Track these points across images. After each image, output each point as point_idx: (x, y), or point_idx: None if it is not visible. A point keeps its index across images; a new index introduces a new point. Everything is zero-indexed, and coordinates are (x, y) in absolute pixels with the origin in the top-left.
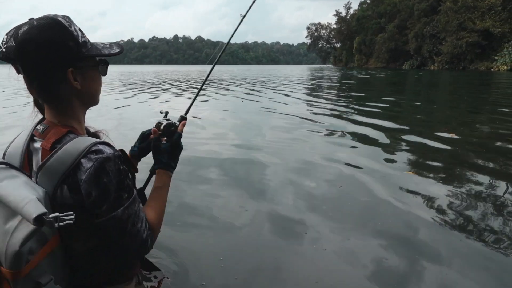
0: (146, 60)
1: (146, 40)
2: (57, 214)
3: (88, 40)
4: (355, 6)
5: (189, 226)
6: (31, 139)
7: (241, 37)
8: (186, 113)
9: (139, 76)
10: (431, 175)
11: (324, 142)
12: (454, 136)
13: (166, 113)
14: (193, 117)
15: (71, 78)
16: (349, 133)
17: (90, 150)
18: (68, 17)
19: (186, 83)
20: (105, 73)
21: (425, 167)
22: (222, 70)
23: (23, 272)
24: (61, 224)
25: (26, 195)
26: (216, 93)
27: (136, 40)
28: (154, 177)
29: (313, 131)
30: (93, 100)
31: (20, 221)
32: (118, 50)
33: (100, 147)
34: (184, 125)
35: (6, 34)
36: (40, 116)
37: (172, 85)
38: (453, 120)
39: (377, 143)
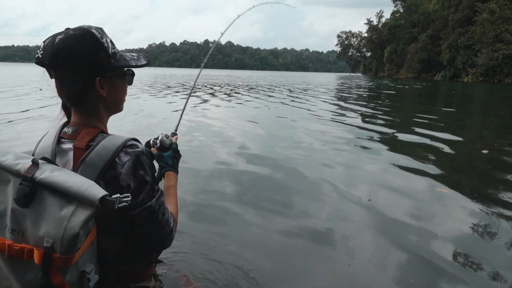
0: (176, 63)
1: (177, 44)
2: (118, 195)
3: (118, 51)
4: (387, 15)
5: (215, 235)
6: (58, 141)
7: (271, 44)
8: (176, 129)
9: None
10: (463, 193)
11: (357, 153)
12: (487, 152)
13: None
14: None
15: (98, 86)
16: (381, 145)
17: (126, 145)
18: (101, 28)
19: (227, 88)
20: (130, 83)
21: (457, 185)
22: (254, 76)
23: (75, 258)
24: (119, 205)
25: (84, 180)
26: (270, 96)
27: (167, 43)
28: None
29: (346, 140)
30: (117, 107)
31: (76, 206)
32: (145, 61)
33: (135, 142)
34: (176, 139)
35: (43, 42)
36: (64, 120)
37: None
38: (486, 136)
39: (409, 157)
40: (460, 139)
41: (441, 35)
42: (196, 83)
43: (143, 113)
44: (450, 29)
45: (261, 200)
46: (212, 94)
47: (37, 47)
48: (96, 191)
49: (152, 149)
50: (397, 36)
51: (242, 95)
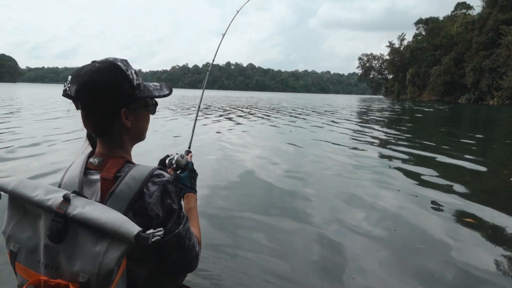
0: (198, 85)
1: (200, 66)
2: (152, 230)
3: (142, 82)
4: (409, 37)
5: (235, 253)
6: (84, 171)
7: (292, 66)
8: (189, 146)
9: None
10: (492, 222)
11: (383, 180)
12: None
13: (167, 156)
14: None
15: (123, 117)
16: (407, 170)
17: (153, 175)
18: (126, 60)
19: (258, 110)
20: (153, 113)
21: (486, 213)
22: (275, 97)
23: None
24: (152, 240)
25: (117, 216)
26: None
27: (190, 65)
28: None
29: (377, 163)
30: (140, 137)
31: (110, 242)
32: (168, 91)
33: (160, 171)
34: (191, 156)
35: (71, 75)
36: (89, 149)
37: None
38: None
39: (435, 183)
40: (488, 164)
41: (464, 58)
42: (219, 105)
43: (184, 134)
44: (474, 52)
45: (291, 224)
46: (244, 117)
47: (66, 69)
48: (131, 227)
49: (168, 169)
50: (419, 59)
51: (275, 118)
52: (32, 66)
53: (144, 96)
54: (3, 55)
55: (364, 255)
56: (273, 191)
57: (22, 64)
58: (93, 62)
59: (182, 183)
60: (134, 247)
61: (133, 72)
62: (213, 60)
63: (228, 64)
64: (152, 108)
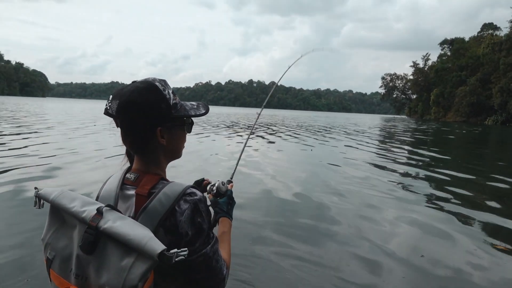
0: (221, 102)
1: (223, 83)
2: (175, 250)
3: (179, 101)
4: (433, 58)
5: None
6: (121, 186)
7: (314, 84)
8: (232, 177)
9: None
10: None
11: (410, 203)
12: None
13: (202, 179)
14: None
15: (159, 136)
16: (434, 195)
17: (186, 193)
18: (164, 81)
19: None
20: (189, 131)
21: None
22: (300, 116)
23: None
24: (176, 259)
25: (145, 233)
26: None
27: (213, 82)
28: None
29: (402, 189)
30: (176, 155)
31: (136, 258)
32: (204, 111)
33: (193, 190)
34: (232, 186)
35: (112, 94)
36: (127, 165)
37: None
38: None
39: (463, 210)
40: None
41: (491, 79)
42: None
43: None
44: (502, 73)
45: (313, 246)
46: (292, 135)
47: (93, 84)
48: (156, 245)
49: (208, 195)
50: (444, 79)
51: (319, 137)
52: (61, 81)
53: (180, 115)
54: (34, 71)
55: (390, 281)
56: (299, 209)
57: (52, 80)
58: (133, 82)
59: (219, 207)
60: (158, 264)
61: (170, 92)
62: (279, 81)
63: (251, 81)
64: (188, 127)
